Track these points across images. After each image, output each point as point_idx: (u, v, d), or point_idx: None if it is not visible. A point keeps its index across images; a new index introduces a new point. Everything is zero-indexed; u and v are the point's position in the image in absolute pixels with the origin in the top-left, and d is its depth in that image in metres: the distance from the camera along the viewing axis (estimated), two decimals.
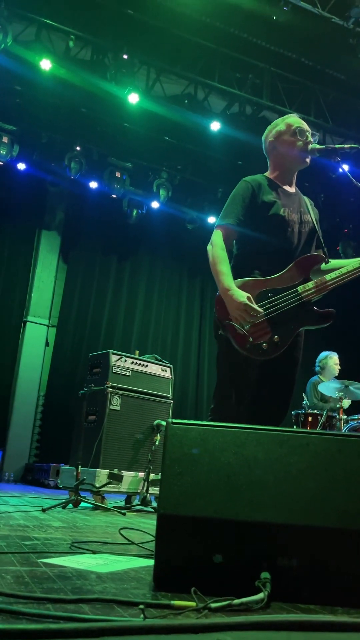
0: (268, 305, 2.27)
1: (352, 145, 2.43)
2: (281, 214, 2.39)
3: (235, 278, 2.31)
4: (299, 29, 6.01)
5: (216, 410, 2.38)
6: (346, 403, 5.36)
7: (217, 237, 2.38)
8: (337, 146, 2.45)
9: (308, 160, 2.50)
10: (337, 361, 6.04)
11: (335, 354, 6.09)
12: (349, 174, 2.45)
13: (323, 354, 6.15)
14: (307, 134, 2.49)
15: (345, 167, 2.49)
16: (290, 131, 2.49)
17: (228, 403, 2.34)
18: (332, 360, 6.03)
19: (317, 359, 6.16)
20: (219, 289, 2.31)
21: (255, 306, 2.21)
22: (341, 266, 2.36)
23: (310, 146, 2.46)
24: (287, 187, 2.53)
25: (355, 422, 5.20)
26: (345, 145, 2.43)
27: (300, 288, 2.29)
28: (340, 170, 2.54)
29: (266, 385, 2.39)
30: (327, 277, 2.30)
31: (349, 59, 6.28)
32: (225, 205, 2.45)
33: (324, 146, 2.46)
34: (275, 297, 2.28)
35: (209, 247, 2.40)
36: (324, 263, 2.40)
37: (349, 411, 5.43)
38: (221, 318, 2.31)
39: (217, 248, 2.36)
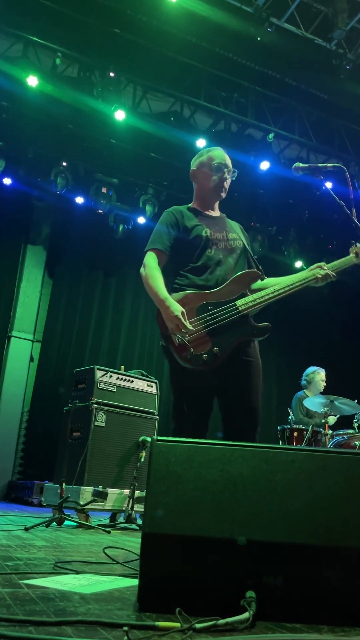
0: (208, 318, 2.34)
1: (335, 164, 2.49)
2: (203, 235, 2.51)
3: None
4: (283, 49, 6.14)
5: (177, 432, 2.37)
6: (332, 420, 5.37)
7: (149, 259, 2.51)
8: (320, 165, 2.51)
9: (223, 194, 2.65)
10: (324, 377, 6.06)
11: (323, 370, 6.12)
12: (331, 192, 2.50)
13: (311, 368, 6.17)
14: (225, 170, 2.63)
15: (329, 184, 2.53)
16: (209, 165, 2.63)
17: (187, 423, 2.35)
18: (319, 375, 6.05)
19: (304, 373, 6.17)
20: (156, 302, 2.38)
21: (186, 323, 2.26)
22: (277, 283, 2.49)
23: (294, 165, 2.52)
24: (209, 212, 2.67)
25: (340, 437, 5.22)
26: (328, 164, 2.50)
27: (238, 302, 2.38)
28: (324, 188, 2.58)
29: (228, 396, 2.42)
30: (263, 292, 2.42)
31: (331, 79, 6.41)
32: (152, 233, 2.58)
33: (307, 165, 2.52)
34: (215, 310, 2.36)
35: (141, 269, 2.50)
36: (260, 280, 2.51)
37: (334, 426, 5.44)
38: (163, 331, 2.36)
39: (149, 268, 2.47)
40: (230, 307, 2.36)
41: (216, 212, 2.70)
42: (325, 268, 2.49)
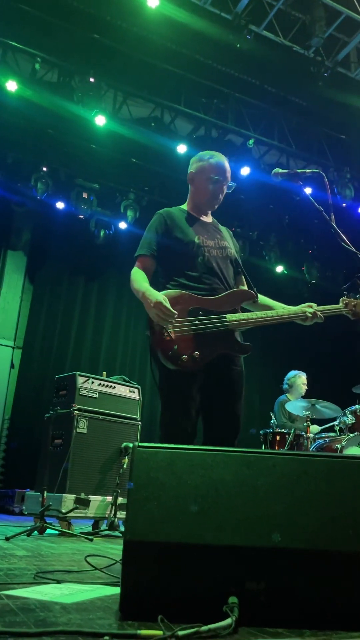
0: (197, 322, 2.35)
1: (314, 170, 2.52)
2: (195, 241, 2.51)
3: None
4: (262, 56, 6.19)
5: (165, 439, 2.34)
6: (315, 429, 5.42)
7: (134, 271, 2.50)
8: (299, 171, 2.53)
9: (216, 205, 2.67)
10: (305, 381, 6.12)
11: (304, 373, 6.17)
12: (310, 198, 2.52)
13: (292, 372, 6.22)
14: (224, 184, 2.61)
15: (308, 190, 2.56)
16: (208, 175, 2.60)
17: (174, 431, 2.33)
18: (300, 379, 6.10)
19: (286, 377, 6.22)
20: (139, 297, 2.38)
21: (169, 306, 2.24)
22: (269, 306, 2.55)
23: (273, 171, 2.54)
24: (202, 217, 2.67)
25: (322, 440, 5.26)
26: (307, 170, 2.53)
27: (228, 317, 2.39)
28: (303, 193, 2.60)
29: (214, 403, 2.41)
30: (253, 315, 2.45)
31: (310, 86, 6.50)
32: (142, 237, 2.58)
33: (286, 171, 2.54)
34: (205, 317, 2.36)
35: (131, 283, 2.48)
36: (252, 301, 2.54)
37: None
38: (150, 323, 2.34)
39: (134, 274, 2.48)
40: (220, 319, 2.37)
41: (208, 218, 2.70)
42: (314, 308, 2.54)
